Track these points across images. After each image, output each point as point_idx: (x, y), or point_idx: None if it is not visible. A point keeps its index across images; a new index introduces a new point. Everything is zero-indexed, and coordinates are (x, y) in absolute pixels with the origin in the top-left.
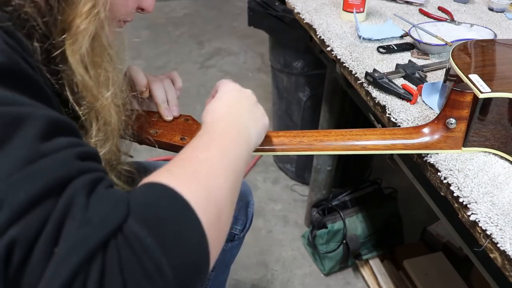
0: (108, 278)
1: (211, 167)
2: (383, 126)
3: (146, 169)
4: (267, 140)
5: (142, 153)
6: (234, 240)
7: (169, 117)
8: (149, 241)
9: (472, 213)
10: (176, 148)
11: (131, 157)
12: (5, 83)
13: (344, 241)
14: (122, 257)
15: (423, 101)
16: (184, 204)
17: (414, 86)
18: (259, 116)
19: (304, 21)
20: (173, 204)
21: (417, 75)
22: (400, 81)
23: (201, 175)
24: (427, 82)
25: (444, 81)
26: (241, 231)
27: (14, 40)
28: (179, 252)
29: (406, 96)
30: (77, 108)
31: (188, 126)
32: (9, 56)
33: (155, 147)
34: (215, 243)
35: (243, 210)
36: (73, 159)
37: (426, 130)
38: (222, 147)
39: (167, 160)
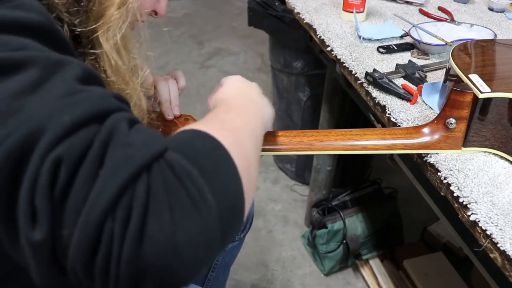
0: (154, 199)
1: (235, 125)
2: (383, 126)
3: None
4: (267, 140)
5: None
6: (234, 240)
7: (170, 116)
8: (191, 168)
9: (472, 213)
10: None
11: None
12: (43, 41)
13: (344, 241)
14: (166, 179)
15: (423, 101)
16: (218, 143)
17: (414, 86)
18: (267, 103)
19: (304, 21)
20: (208, 143)
21: (417, 75)
22: (400, 81)
23: (228, 128)
24: (427, 82)
25: (444, 81)
26: (242, 231)
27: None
28: (219, 184)
29: (406, 96)
30: None
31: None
32: (47, 17)
33: None
34: (248, 191)
35: None
36: (111, 97)
37: (426, 130)
38: (241, 114)
39: None
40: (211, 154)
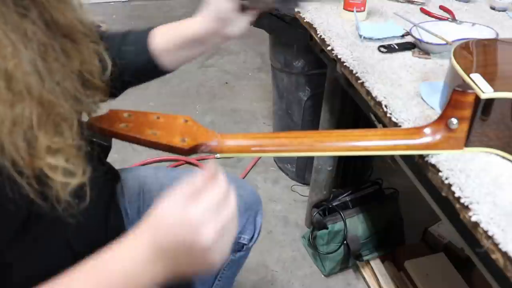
0: None
1: None
2: (384, 126)
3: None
4: (268, 141)
5: (142, 154)
6: (242, 250)
7: None
8: None
9: (474, 214)
10: (176, 150)
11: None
12: None
13: (345, 242)
14: None
15: (424, 101)
16: None
17: None
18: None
19: (305, 20)
20: None
21: None
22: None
23: None
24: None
25: (446, 81)
26: (250, 240)
27: None
28: None
29: None
30: None
31: (188, 127)
32: None
33: (154, 149)
34: None
35: (251, 220)
36: None
37: (427, 130)
38: None
39: (167, 160)
40: None
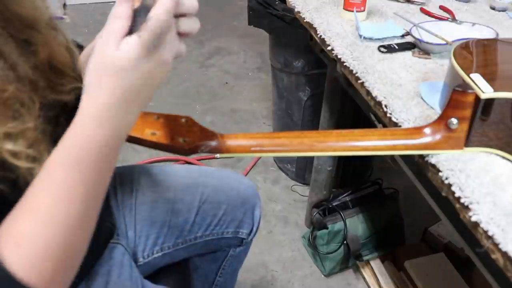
0: None
1: (57, 218)
2: (384, 126)
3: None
4: (267, 141)
5: (142, 154)
6: (242, 244)
7: None
8: None
9: (474, 214)
10: (176, 150)
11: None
12: None
13: (345, 242)
14: None
15: (424, 101)
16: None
17: None
18: (147, 96)
19: (305, 20)
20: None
21: None
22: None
23: (41, 235)
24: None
25: (446, 81)
26: (248, 234)
27: None
28: None
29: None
30: None
31: (188, 127)
32: None
33: (154, 149)
34: (66, 273)
35: (249, 214)
36: None
37: (427, 130)
38: (87, 174)
39: (167, 160)
40: None
